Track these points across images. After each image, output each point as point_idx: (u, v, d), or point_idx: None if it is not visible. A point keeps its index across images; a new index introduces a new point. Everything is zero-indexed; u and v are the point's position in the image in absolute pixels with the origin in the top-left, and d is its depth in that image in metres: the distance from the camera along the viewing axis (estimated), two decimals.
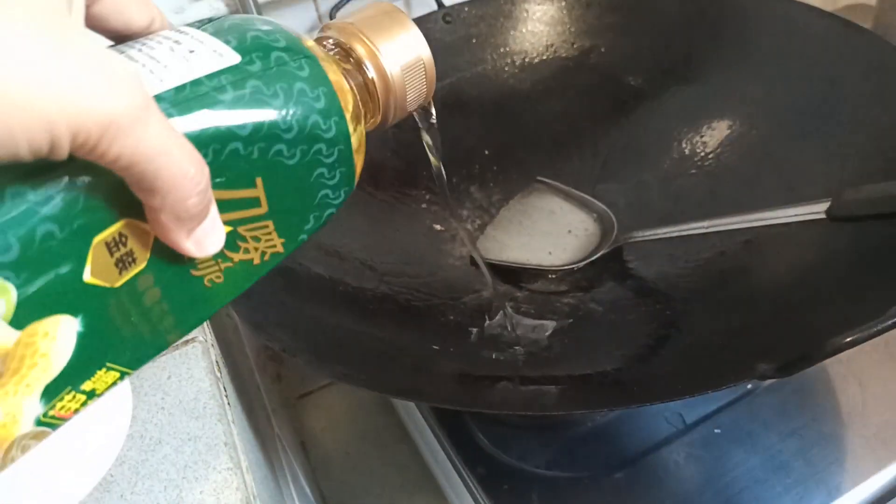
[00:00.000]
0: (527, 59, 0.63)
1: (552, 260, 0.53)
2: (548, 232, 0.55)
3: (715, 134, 0.51)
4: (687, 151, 0.53)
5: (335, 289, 0.47)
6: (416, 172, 0.59)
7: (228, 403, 0.35)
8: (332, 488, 0.66)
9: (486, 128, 0.61)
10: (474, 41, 0.63)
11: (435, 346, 0.45)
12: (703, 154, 0.52)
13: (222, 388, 0.36)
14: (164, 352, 0.37)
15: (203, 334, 0.39)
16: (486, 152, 0.61)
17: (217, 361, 0.38)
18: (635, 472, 0.43)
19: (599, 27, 0.61)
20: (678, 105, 0.54)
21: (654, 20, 0.58)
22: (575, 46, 0.62)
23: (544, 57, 0.62)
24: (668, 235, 0.47)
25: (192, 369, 0.37)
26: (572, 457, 0.45)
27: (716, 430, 0.44)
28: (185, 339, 0.38)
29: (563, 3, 0.62)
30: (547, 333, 0.47)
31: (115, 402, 0.31)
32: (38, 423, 0.17)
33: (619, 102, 0.59)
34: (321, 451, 0.69)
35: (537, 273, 0.52)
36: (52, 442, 0.27)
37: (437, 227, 0.57)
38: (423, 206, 0.58)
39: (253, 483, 0.32)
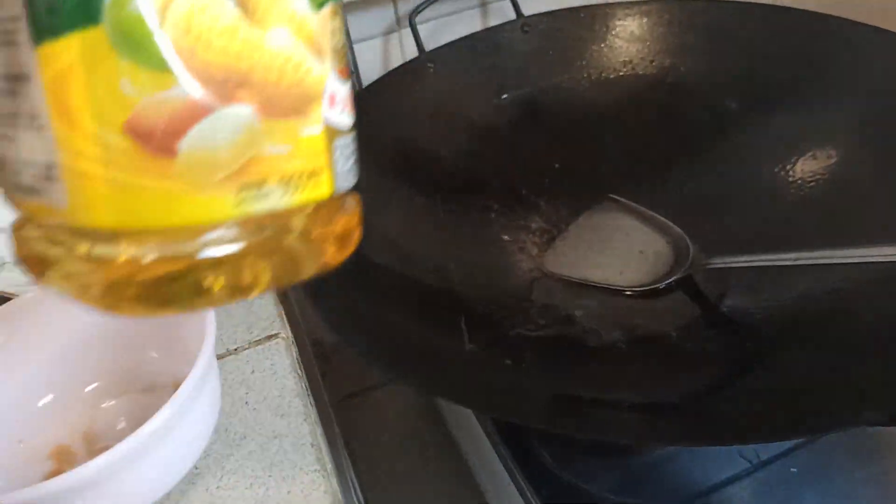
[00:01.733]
0: (603, 75, 0.62)
1: (622, 280, 0.52)
2: (618, 251, 0.54)
3: (807, 164, 0.50)
4: (770, 180, 0.52)
5: (410, 294, 0.46)
6: (484, 181, 0.58)
7: (312, 403, 0.35)
8: (376, 495, 0.65)
9: (558, 141, 0.60)
10: (551, 53, 0.63)
11: (508, 361, 0.44)
12: (791, 183, 0.50)
13: (305, 387, 0.35)
14: (245, 346, 0.37)
15: (285, 330, 0.38)
16: (557, 166, 0.60)
17: (297, 359, 0.37)
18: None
19: (680, 46, 0.60)
20: (761, 131, 0.53)
21: (739, 44, 0.57)
22: (653, 64, 0.61)
23: (621, 73, 0.61)
24: (749, 264, 0.46)
25: (276, 365, 0.36)
26: (640, 484, 0.44)
27: (792, 470, 0.42)
28: (267, 333, 0.38)
29: (645, 20, 0.61)
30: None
31: (207, 394, 0.30)
32: None
33: (698, 124, 0.58)
34: (365, 455, 0.69)
35: (608, 292, 0.51)
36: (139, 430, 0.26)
37: (505, 237, 0.57)
38: (492, 215, 0.57)
39: (338, 488, 0.31)
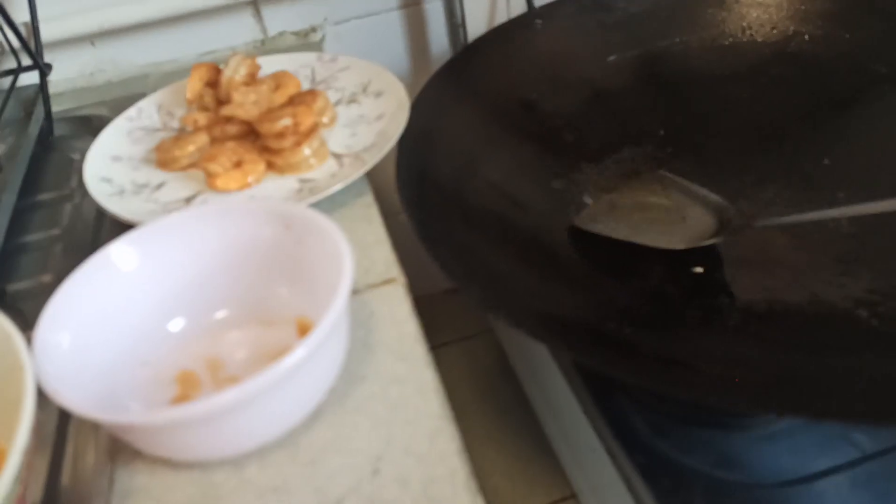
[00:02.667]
0: (717, 41, 0.59)
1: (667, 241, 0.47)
2: (660, 217, 0.49)
3: None
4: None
5: (514, 239, 0.45)
6: (586, 140, 0.56)
7: (430, 349, 0.34)
8: None
9: (664, 107, 0.58)
10: (662, 14, 0.60)
11: (612, 324, 0.43)
12: None
13: (426, 333, 0.35)
14: (363, 289, 0.37)
15: (401, 275, 0.38)
16: (661, 133, 0.58)
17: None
18: (812, 492, 0.41)
19: (807, 13, 0.57)
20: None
21: (873, 12, 0.54)
22: (774, 31, 0.58)
23: (739, 39, 0.59)
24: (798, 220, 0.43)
25: (394, 310, 0.36)
26: (738, 461, 0.43)
27: None
28: (384, 278, 0.38)
29: None
30: None
31: (339, 334, 0.30)
32: None
33: (818, 97, 0.54)
34: None
35: None
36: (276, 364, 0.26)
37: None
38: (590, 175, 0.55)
39: (459, 435, 0.31)
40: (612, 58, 0.59)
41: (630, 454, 0.44)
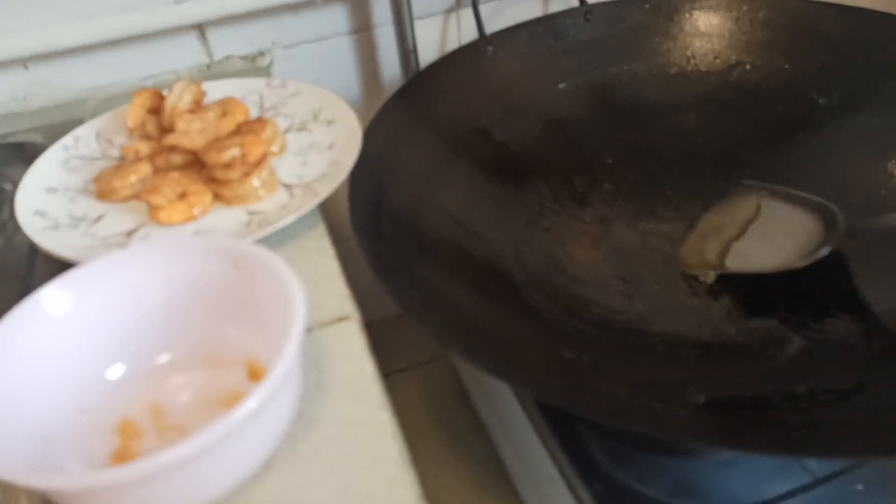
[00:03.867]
0: (664, 69, 0.61)
1: (775, 262, 0.47)
2: (763, 234, 0.49)
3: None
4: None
5: (469, 269, 0.45)
6: (538, 167, 0.56)
7: (384, 375, 0.33)
8: None
9: (614, 135, 0.59)
10: (612, 43, 0.61)
11: (569, 355, 0.43)
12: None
13: (380, 365, 0.34)
14: (316, 327, 0.36)
15: (355, 312, 0.37)
16: (609, 161, 0.59)
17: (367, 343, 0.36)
18: None
19: (749, 43, 0.58)
20: (835, 135, 0.52)
21: (810, 43, 0.56)
22: (718, 61, 0.59)
23: (684, 68, 0.60)
24: None
25: (349, 348, 0.35)
26: (696, 489, 0.43)
27: (857, 487, 0.41)
28: (338, 315, 0.37)
29: (712, 14, 0.60)
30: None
31: (293, 377, 0.29)
32: None
33: (762, 124, 0.56)
34: None
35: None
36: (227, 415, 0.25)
37: (558, 225, 0.55)
38: (546, 202, 0.55)
39: (418, 482, 0.30)
40: (562, 85, 0.60)
41: (588, 483, 0.44)
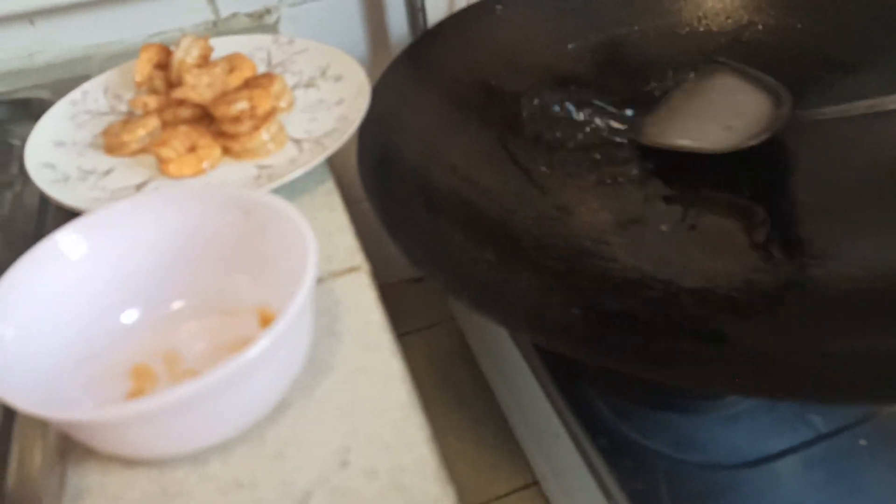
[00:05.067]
0: (674, 29, 0.60)
1: (718, 142, 0.50)
2: (717, 113, 0.52)
3: None
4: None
5: (475, 221, 0.45)
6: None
7: (395, 338, 0.34)
8: None
9: (622, 95, 0.58)
10: (622, 2, 0.60)
11: (576, 311, 0.44)
12: None
13: (391, 321, 0.34)
14: (327, 277, 0.36)
15: (365, 263, 0.37)
16: (617, 121, 0.58)
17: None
18: (770, 472, 0.41)
19: (761, 3, 0.58)
20: (846, 96, 0.51)
21: (825, 3, 0.55)
22: (729, 21, 0.59)
23: (696, 28, 0.59)
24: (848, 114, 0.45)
25: (359, 298, 0.35)
26: (699, 443, 0.44)
27: (861, 442, 0.42)
28: (348, 266, 0.37)
29: None
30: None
31: (304, 324, 0.29)
32: None
33: (773, 88, 0.56)
34: None
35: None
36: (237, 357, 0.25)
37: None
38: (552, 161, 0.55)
39: (428, 423, 0.30)
40: (571, 45, 0.59)
41: (593, 438, 0.44)
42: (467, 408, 0.70)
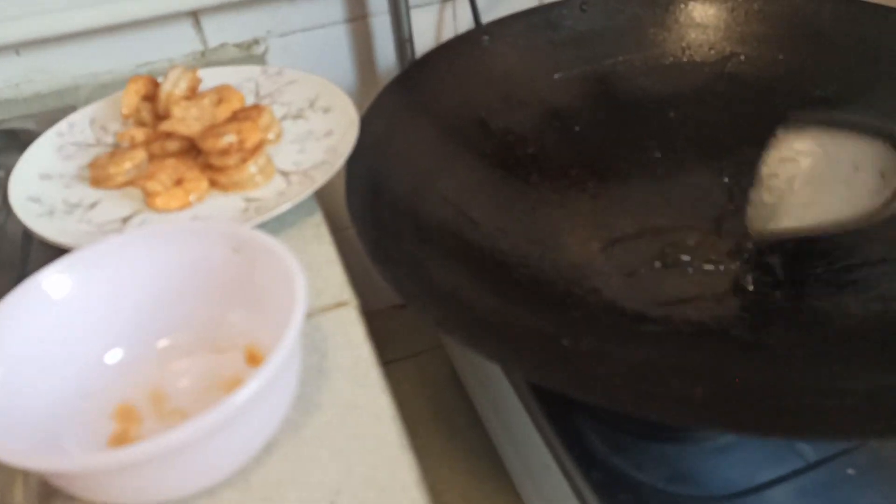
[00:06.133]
0: (660, 60, 0.61)
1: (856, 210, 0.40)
2: (833, 177, 0.43)
3: None
4: None
5: (467, 255, 0.45)
6: (535, 156, 0.56)
7: (384, 374, 0.33)
8: None
9: (610, 125, 0.59)
10: (609, 33, 0.61)
11: (565, 342, 0.43)
12: None
13: (379, 351, 0.34)
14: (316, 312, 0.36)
15: (354, 298, 0.37)
16: (605, 151, 0.58)
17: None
18: (762, 502, 0.41)
19: (744, 34, 0.59)
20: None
21: (808, 35, 0.56)
22: (713, 52, 0.60)
23: (679, 59, 0.60)
24: None
25: (348, 333, 0.35)
26: (691, 475, 0.43)
27: (848, 471, 0.42)
28: (337, 300, 0.37)
29: (708, 5, 0.60)
30: None
31: (294, 362, 0.29)
32: None
33: (757, 115, 0.56)
34: None
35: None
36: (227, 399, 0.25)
37: (557, 215, 0.55)
38: (544, 191, 0.55)
39: (417, 465, 0.30)
40: (558, 75, 0.60)
41: (585, 471, 0.44)
42: (458, 436, 0.70)
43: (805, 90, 0.54)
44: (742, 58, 0.58)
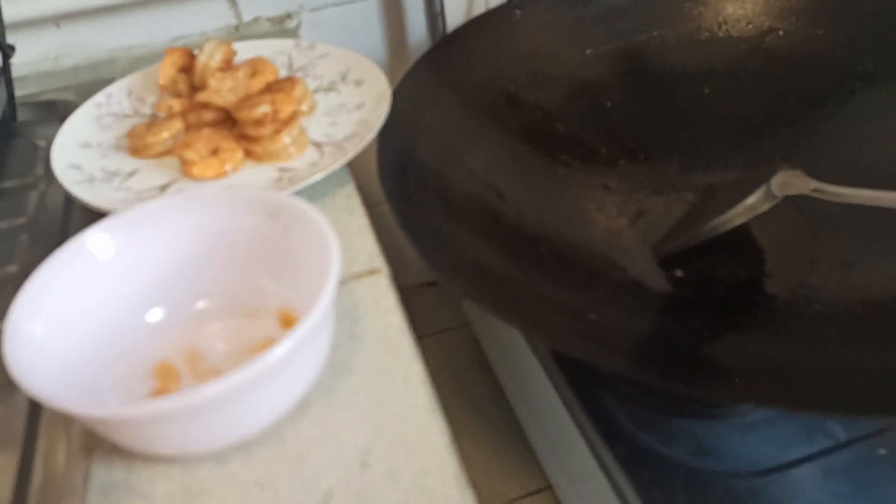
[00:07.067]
0: (695, 35, 0.60)
1: None
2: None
3: None
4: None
5: (494, 226, 0.45)
6: (565, 133, 0.56)
7: (416, 341, 0.34)
8: None
9: (642, 101, 0.58)
10: (642, 8, 0.60)
11: (593, 316, 0.44)
12: None
13: (410, 324, 0.34)
14: (348, 279, 0.36)
15: (385, 266, 0.37)
16: (636, 128, 0.58)
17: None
18: (789, 480, 0.41)
19: (782, 9, 0.57)
20: (868, 103, 0.51)
21: (847, 9, 0.55)
22: (750, 27, 0.58)
23: (716, 34, 0.59)
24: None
25: (380, 300, 0.35)
26: (717, 451, 0.43)
27: (880, 451, 0.42)
28: (368, 268, 0.37)
29: None
30: None
31: (326, 326, 0.29)
32: None
33: (794, 92, 0.55)
34: None
35: None
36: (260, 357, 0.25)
37: (584, 192, 0.55)
38: (573, 168, 0.55)
39: (448, 428, 0.31)
40: (590, 51, 0.59)
41: (611, 446, 0.44)
42: (482, 412, 0.70)
43: (844, 66, 0.53)
44: (780, 33, 0.57)
